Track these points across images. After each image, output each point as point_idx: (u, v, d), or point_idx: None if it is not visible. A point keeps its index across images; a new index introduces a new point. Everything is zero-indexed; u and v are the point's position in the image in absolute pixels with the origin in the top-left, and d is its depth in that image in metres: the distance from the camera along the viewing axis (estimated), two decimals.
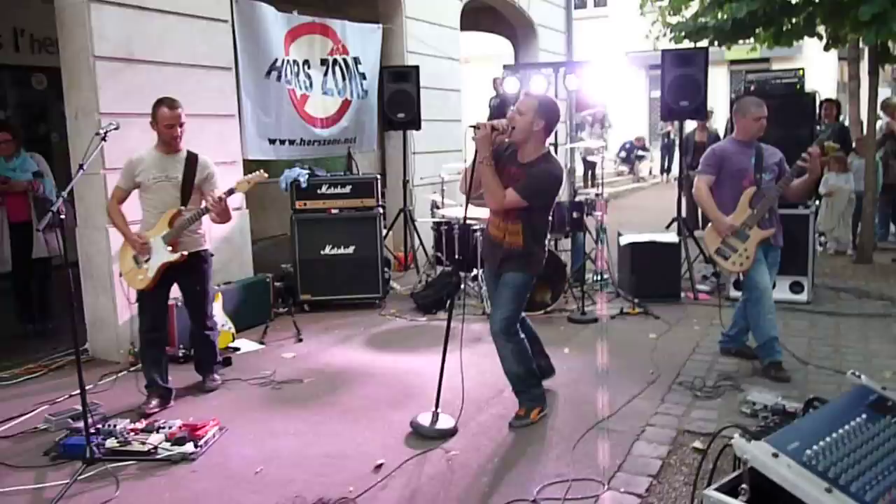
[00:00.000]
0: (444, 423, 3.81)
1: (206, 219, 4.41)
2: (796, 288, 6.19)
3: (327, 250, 6.46)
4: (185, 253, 4.29)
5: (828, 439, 1.97)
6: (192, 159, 4.38)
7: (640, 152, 19.38)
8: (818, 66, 16.91)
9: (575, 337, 5.48)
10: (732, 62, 19.11)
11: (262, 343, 5.57)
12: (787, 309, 5.89)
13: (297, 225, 6.44)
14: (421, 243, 7.86)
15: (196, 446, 3.61)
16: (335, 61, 7.45)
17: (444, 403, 3.84)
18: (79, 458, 3.45)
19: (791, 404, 3.70)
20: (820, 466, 1.85)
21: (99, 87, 5.00)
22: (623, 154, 19.11)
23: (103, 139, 3.95)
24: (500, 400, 4.21)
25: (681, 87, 6.85)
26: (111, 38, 5.07)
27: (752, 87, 6.58)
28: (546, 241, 3.97)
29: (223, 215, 4.37)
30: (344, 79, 7.57)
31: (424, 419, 3.82)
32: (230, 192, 4.31)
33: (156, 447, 3.58)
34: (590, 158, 9.60)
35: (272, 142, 6.81)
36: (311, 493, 3.18)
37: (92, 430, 3.55)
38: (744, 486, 1.88)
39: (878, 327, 5.50)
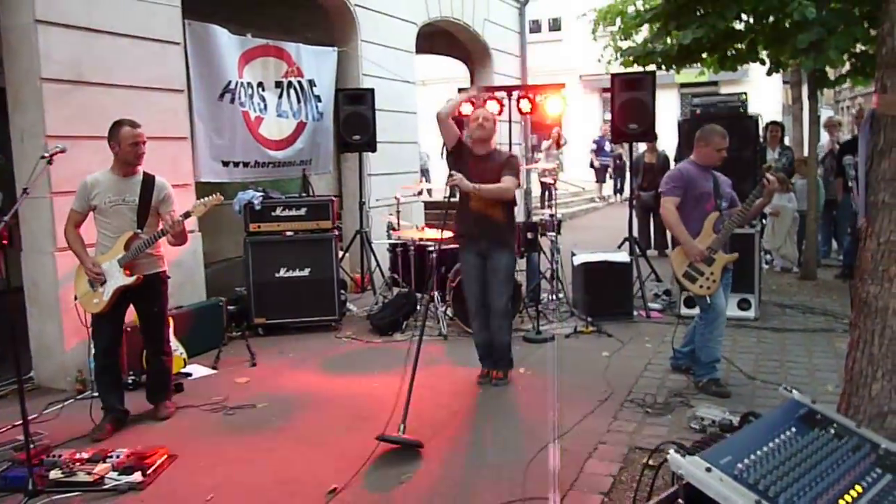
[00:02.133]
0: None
1: (163, 240, 4.37)
2: (744, 305, 6.35)
3: (282, 273, 6.41)
4: (142, 276, 4.24)
5: (759, 453, 2.03)
6: (149, 181, 4.34)
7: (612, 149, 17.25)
8: (764, 90, 17.50)
9: (530, 356, 5.52)
10: (683, 85, 19.65)
11: (214, 368, 5.49)
12: (735, 326, 6.04)
13: (250, 247, 6.37)
14: (377, 265, 7.87)
15: (144, 475, 3.54)
16: (290, 84, 7.45)
17: (394, 427, 3.83)
18: (21, 490, 3.35)
19: (738, 419, 3.79)
20: (750, 479, 1.91)
21: (45, 110, 4.92)
22: (594, 147, 17.48)
23: (49, 162, 3.89)
24: (454, 423, 4.23)
25: (630, 109, 6.99)
26: (59, 60, 5.01)
27: (698, 111, 6.79)
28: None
29: (179, 237, 4.35)
30: (299, 101, 7.57)
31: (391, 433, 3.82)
32: (186, 214, 4.30)
33: (102, 477, 3.50)
34: (543, 180, 9.73)
35: (226, 164, 6.77)
36: None
37: (35, 461, 3.46)
38: (679, 501, 1.93)
39: (821, 342, 5.68)
